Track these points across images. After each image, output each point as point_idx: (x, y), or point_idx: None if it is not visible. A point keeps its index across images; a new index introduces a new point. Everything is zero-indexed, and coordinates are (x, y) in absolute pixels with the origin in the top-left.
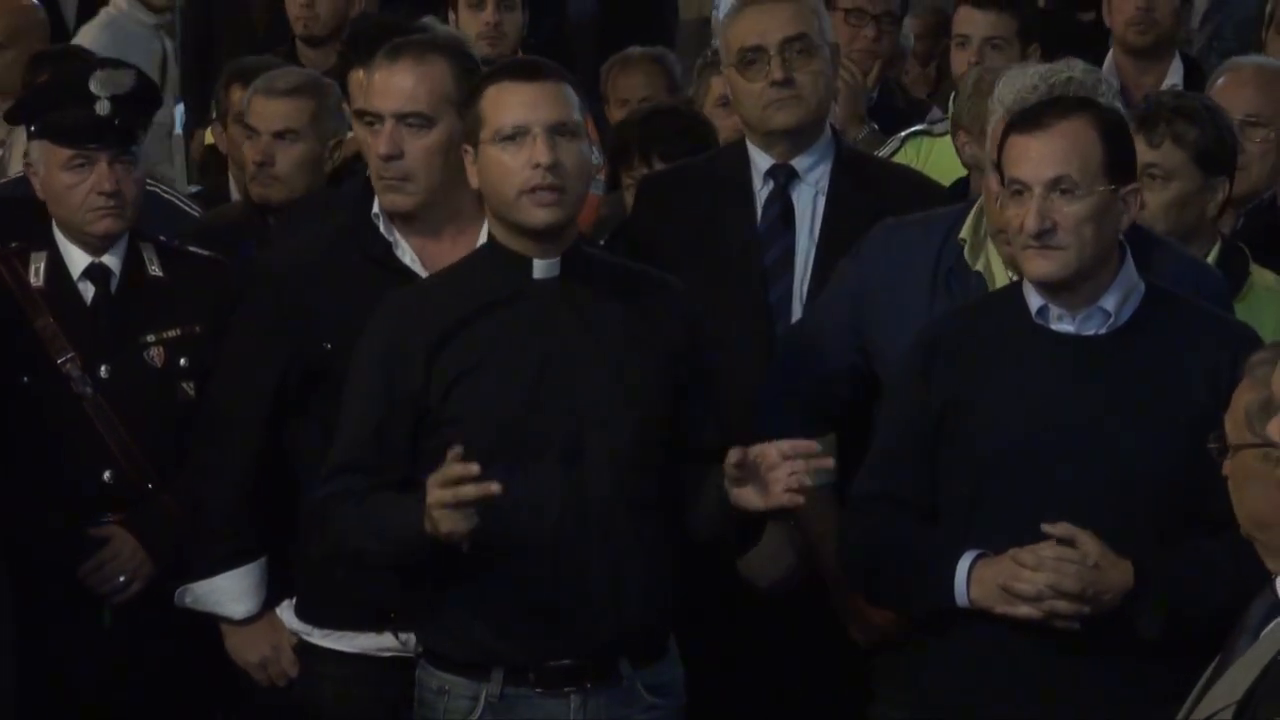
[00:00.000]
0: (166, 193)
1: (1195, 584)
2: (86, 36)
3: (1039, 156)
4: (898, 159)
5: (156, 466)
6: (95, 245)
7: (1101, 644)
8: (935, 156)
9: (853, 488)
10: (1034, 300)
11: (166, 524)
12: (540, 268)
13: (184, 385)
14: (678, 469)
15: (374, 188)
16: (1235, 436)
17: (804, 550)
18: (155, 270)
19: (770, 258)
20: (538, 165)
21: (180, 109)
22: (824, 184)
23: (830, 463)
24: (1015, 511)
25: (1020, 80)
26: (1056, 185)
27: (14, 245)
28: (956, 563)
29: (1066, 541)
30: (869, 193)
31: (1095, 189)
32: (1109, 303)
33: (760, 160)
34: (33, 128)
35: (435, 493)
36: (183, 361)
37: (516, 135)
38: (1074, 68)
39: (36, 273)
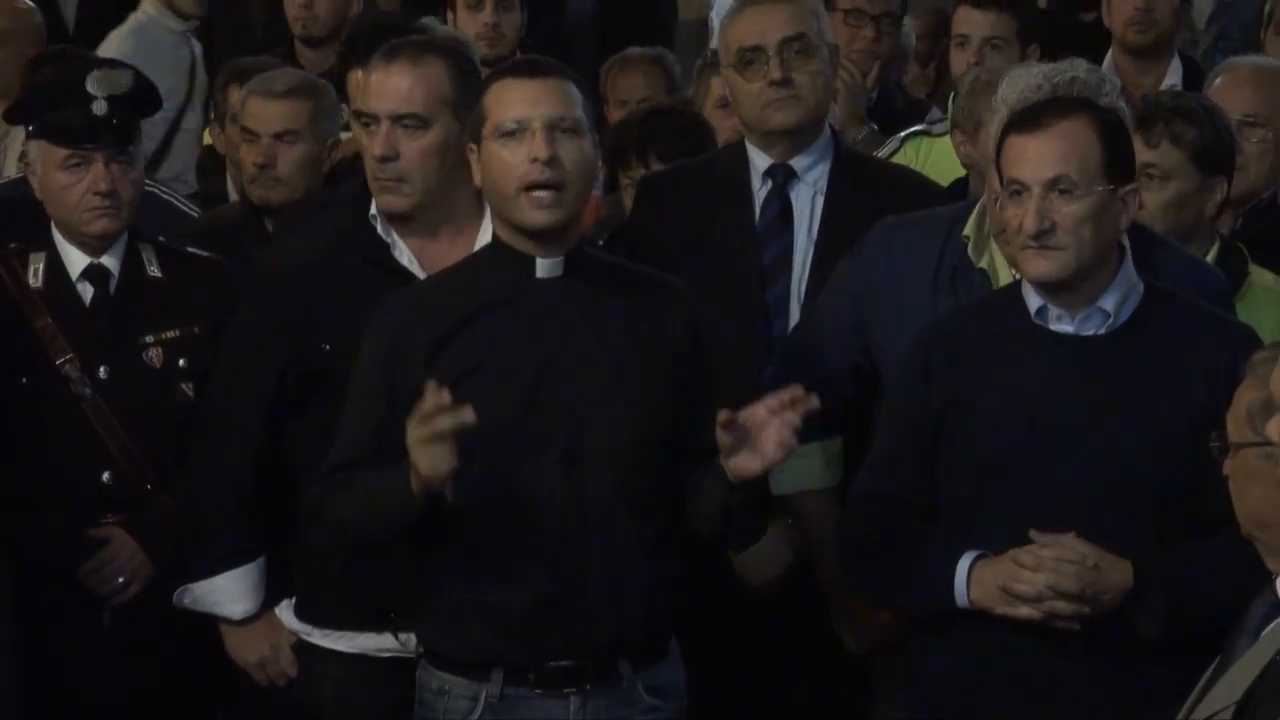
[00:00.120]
0: (165, 193)
1: (1195, 584)
2: (114, 43)
3: (1038, 157)
4: (897, 159)
5: (155, 467)
6: (94, 246)
7: (1101, 644)
8: (935, 157)
9: (852, 487)
10: (1033, 300)
11: (166, 525)
12: (543, 267)
13: (183, 386)
14: (679, 469)
15: (370, 189)
16: (1236, 435)
17: (802, 550)
18: (154, 271)
19: (768, 257)
20: (535, 159)
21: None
22: (822, 184)
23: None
24: (1015, 512)
25: (1024, 80)
26: (1055, 185)
27: (13, 246)
28: (956, 563)
29: None
30: (867, 193)
31: (1094, 189)
32: (1108, 303)
33: (759, 160)
34: (31, 127)
35: (412, 431)
36: (182, 362)
37: (516, 130)
38: (1078, 67)
39: (35, 274)
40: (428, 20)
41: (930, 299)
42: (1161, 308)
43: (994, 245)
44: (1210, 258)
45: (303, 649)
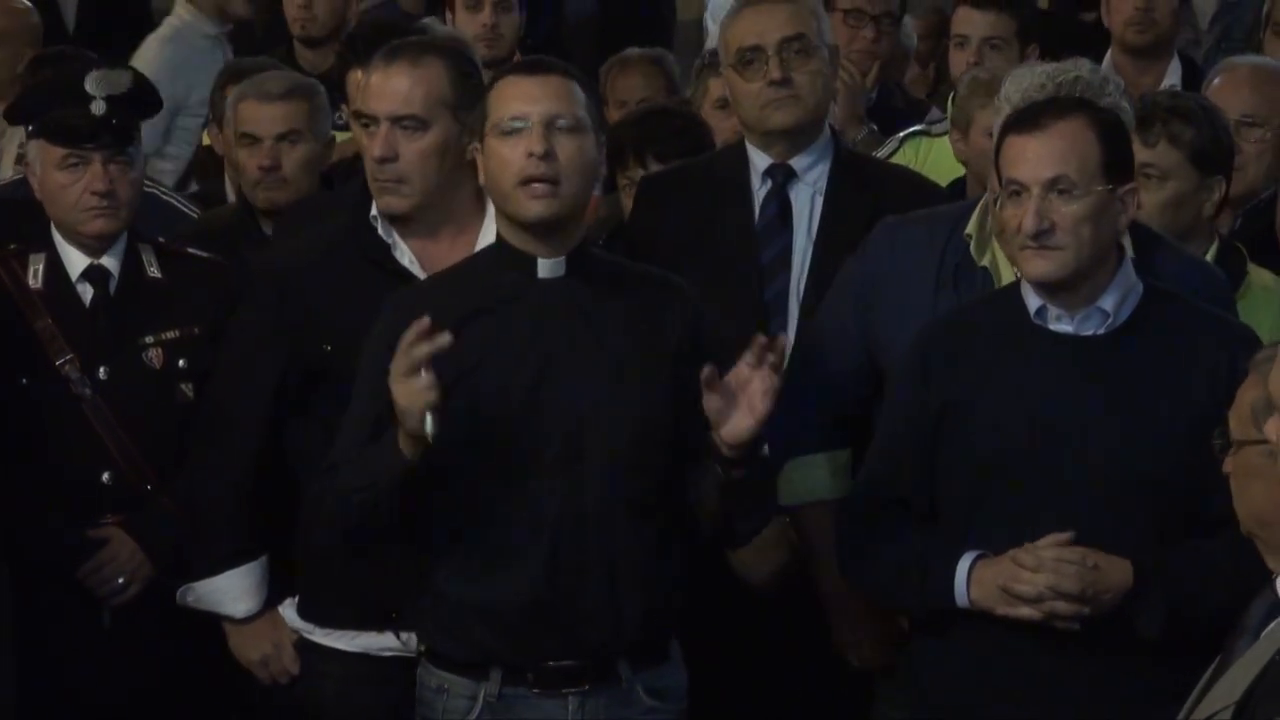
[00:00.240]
0: (165, 194)
1: (1195, 583)
2: (151, 48)
3: (1036, 157)
4: (896, 159)
5: (155, 468)
6: (93, 247)
7: (1101, 644)
8: (934, 157)
9: (851, 488)
10: (1032, 300)
11: (165, 526)
12: (545, 267)
13: (183, 387)
14: (681, 470)
15: (371, 189)
16: (1239, 433)
17: (803, 557)
18: (154, 272)
19: (767, 256)
20: (531, 155)
21: None
22: (822, 184)
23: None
24: (1014, 512)
25: (1027, 79)
26: (1054, 185)
27: (12, 247)
28: (956, 563)
29: None
30: (867, 193)
31: (1093, 189)
32: (1107, 303)
33: (759, 160)
34: (30, 127)
35: (394, 367)
36: (181, 363)
37: (515, 127)
38: (1081, 67)
39: (35, 274)
40: (428, 20)
41: (932, 297)
42: (1161, 308)
43: (996, 244)
44: (1209, 257)
45: (304, 647)
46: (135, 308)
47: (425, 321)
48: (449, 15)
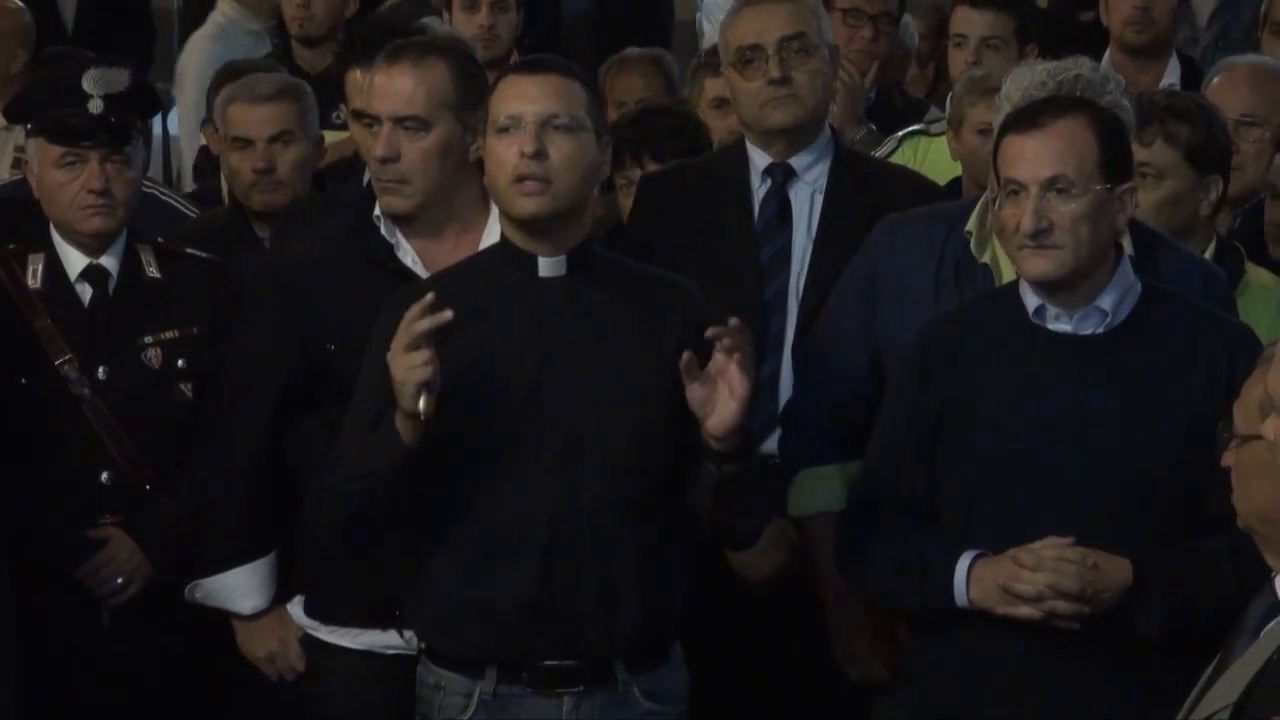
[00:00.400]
0: (164, 194)
1: (1195, 582)
2: (197, 45)
3: (1034, 156)
4: (895, 159)
5: (154, 468)
6: (92, 246)
7: (1101, 644)
8: (932, 156)
9: (850, 488)
10: (1031, 300)
11: (164, 526)
12: (546, 265)
13: (182, 387)
14: (683, 470)
15: (374, 189)
16: (1245, 427)
17: (806, 560)
18: (153, 272)
19: (766, 255)
20: (523, 154)
21: None
22: (822, 183)
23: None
24: (1013, 511)
25: (1028, 77)
26: (1052, 185)
27: (12, 247)
28: (956, 563)
29: None
30: (866, 192)
31: (1091, 188)
32: (1106, 302)
33: (759, 159)
34: (29, 125)
35: (396, 338)
36: (180, 363)
37: (511, 126)
38: (1081, 65)
39: (34, 274)
40: (428, 20)
41: (933, 295)
42: (1159, 307)
43: (997, 241)
44: (1206, 256)
45: (310, 644)
46: (134, 308)
47: (430, 298)
48: (446, 15)
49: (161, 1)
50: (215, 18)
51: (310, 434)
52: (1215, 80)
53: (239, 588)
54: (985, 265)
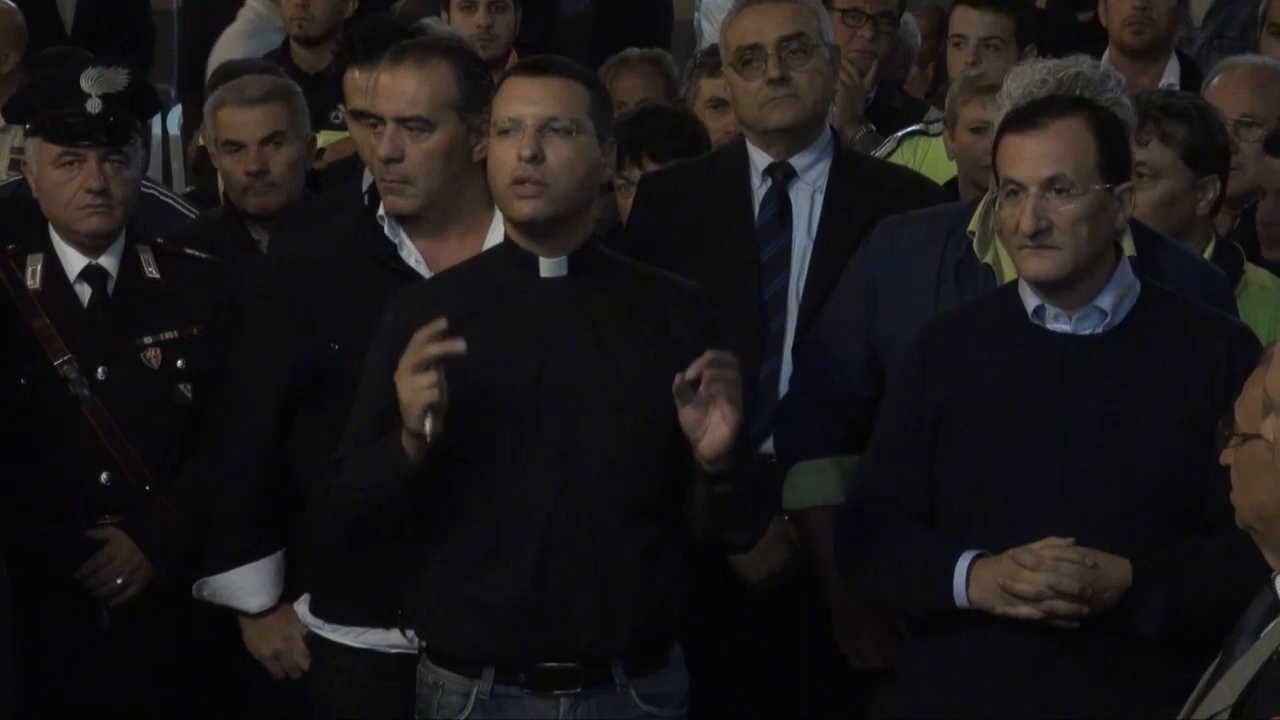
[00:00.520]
0: (164, 195)
1: (1194, 581)
2: (228, 43)
3: (1033, 156)
4: (894, 159)
5: (154, 468)
6: (91, 246)
7: (1102, 644)
8: (932, 156)
9: (849, 488)
10: (1030, 300)
11: (164, 526)
12: (547, 266)
13: (181, 387)
14: (683, 473)
15: (378, 189)
16: (1247, 426)
17: (804, 558)
18: (152, 272)
19: (766, 255)
20: (520, 157)
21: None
22: (822, 183)
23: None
24: (1012, 511)
25: (1028, 76)
26: (1052, 185)
27: (11, 247)
28: (955, 563)
29: None
30: (866, 192)
31: (1090, 188)
32: (1105, 302)
33: (759, 159)
34: (28, 125)
35: (404, 358)
36: (180, 363)
37: (510, 128)
38: (1082, 63)
39: (33, 275)
40: (428, 20)
41: (933, 295)
42: (1159, 307)
43: (998, 241)
44: (1206, 256)
45: (314, 642)
46: (133, 308)
47: (442, 323)
48: (444, 15)
49: (161, 1)
50: (245, 14)
51: (317, 433)
52: (1215, 81)
53: (246, 585)
54: (987, 265)
